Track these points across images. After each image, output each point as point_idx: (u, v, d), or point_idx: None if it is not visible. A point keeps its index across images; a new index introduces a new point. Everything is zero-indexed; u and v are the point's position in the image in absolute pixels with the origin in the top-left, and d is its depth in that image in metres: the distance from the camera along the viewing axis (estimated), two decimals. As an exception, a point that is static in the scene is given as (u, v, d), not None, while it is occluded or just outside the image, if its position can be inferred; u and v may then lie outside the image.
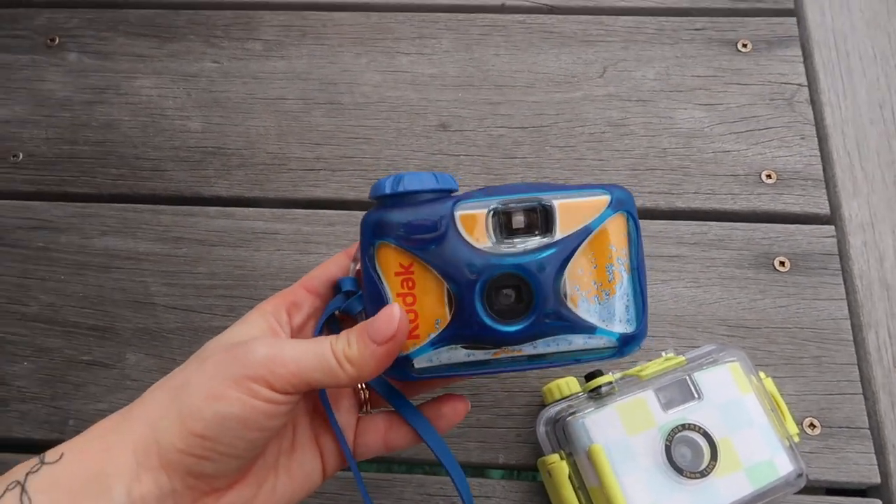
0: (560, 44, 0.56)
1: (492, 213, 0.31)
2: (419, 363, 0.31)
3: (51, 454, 0.29)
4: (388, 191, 0.31)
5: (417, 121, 0.53)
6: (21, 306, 0.49)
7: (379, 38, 0.57)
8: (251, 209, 0.51)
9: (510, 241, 0.31)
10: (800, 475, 0.37)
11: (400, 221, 0.30)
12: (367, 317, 0.31)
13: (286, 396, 0.29)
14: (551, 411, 0.40)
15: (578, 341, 0.31)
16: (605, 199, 0.31)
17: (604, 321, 0.31)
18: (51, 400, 0.46)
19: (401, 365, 0.31)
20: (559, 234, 0.31)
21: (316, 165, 0.52)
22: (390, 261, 0.31)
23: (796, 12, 0.57)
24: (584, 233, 0.31)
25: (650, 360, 0.40)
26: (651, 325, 0.45)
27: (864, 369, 0.45)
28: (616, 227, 0.31)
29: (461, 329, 0.31)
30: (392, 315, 0.30)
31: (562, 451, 0.39)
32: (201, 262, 0.49)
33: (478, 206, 0.31)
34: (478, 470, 0.45)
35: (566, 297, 0.31)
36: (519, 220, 0.31)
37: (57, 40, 0.58)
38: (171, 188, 0.52)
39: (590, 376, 0.39)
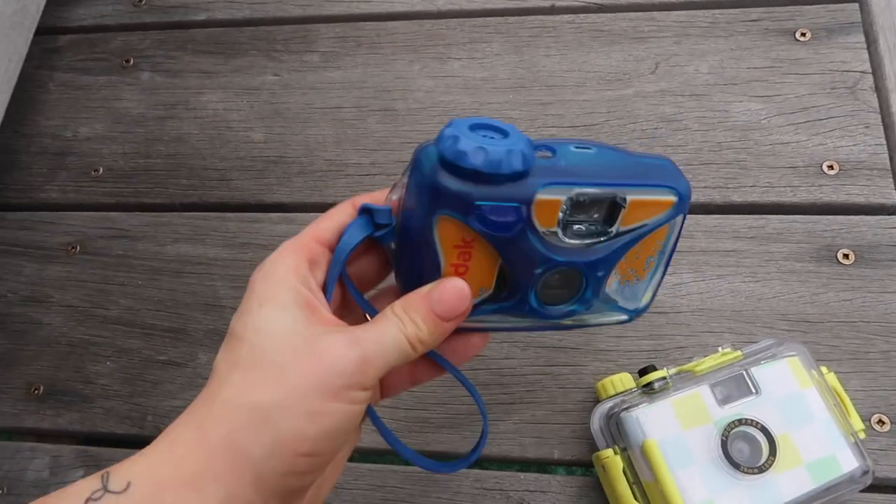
0: (610, 42, 0.56)
1: (568, 201, 0.29)
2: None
3: (115, 480, 0.25)
4: (468, 164, 0.27)
5: (469, 124, 0.54)
6: (103, 310, 0.52)
7: (431, 44, 0.58)
8: (311, 214, 0.53)
9: (576, 223, 0.30)
10: (865, 472, 0.36)
11: (473, 199, 0.27)
12: (407, 276, 0.30)
13: (371, 392, 0.29)
14: (605, 406, 0.40)
15: (595, 316, 0.33)
16: (671, 200, 0.30)
17: (625, 300, 0.33)
18: (130, 397, 0.49)
19: None
20: (620, 226, 0.30)
21: (372, 171, 0.54)
22: (452, 233, 0.28)
23: (858, -2, 0.55)
24: (642, 231, 0.31)
25: (706, 356, 0.40)
26: (707, 321, 0.45)
27: (937, 364, 0.43)
28: (671, 228, 0.32)
29: (506, 303, 0.31)
30: (463, 294, 0.29)
31: (616, 446, 0.39)
32: (265, 266, 0.52)
33: (558, 193, 0.29)
34: (534, 465, 0.45)
35: (606, 283, 0.32)
36: (589, 211, 0.30)
37: (131, 61, 0.62)
38: (237, 196, 0.55)
39: (643, 371, 0.39)
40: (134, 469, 0.25)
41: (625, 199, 0.30)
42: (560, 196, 0.29)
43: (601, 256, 0.31)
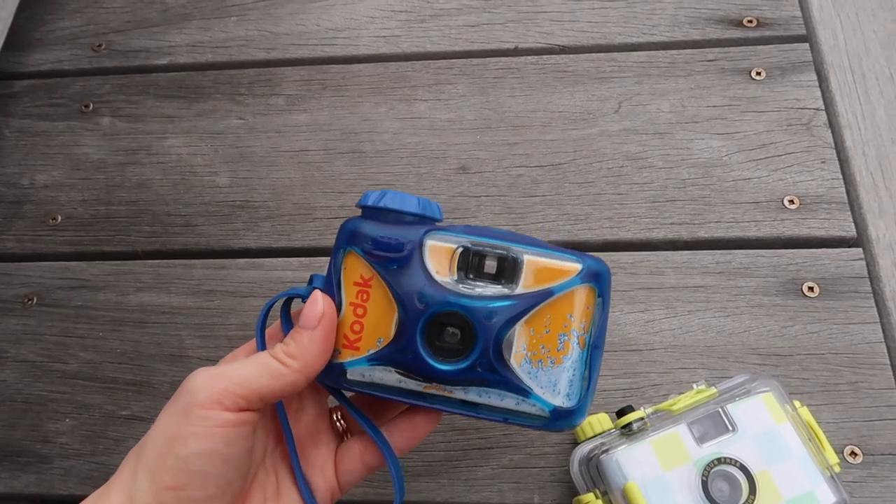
0: (574, 82, 0.57)
1: (461, 249, 0.31)
2: (352, 374, 0.32)
3: None
4: (369, 203, 0.32)
5: (437, 165, 0.54)
6: (62, 364, 0.50)
7: (396, 86, 0.58)
8: (279, 259, 0.52)
9: (472, 282, 0.31)
10: (843, 506, 0.36)
11: (370, 234, 0.31)
12: None
13: (239, 415, 0.28)
14: (584, 449, 0.40)
15: (510, 400, 0.31)
16: (576, 267, 0.31)
17: (542, 388, 0.31)
18: (91, 455, 0.47)
19: (335, 371, 0.32)
20: (520, 289, 0.31)
21: (340, 213, 0.53)
22: (353, 269, 0.31)
23: (808, 38, 0.57)
24: (545, 295, 0.30)
25: (681, 394, 0.40)
26: (681, 357, 0.46)
27: (903, 393, 0.44)
28: (580, 299, 0.31)
29: (397, 353, 0.31)
30: (315, 298, 0.31)
31: (597, 490, 0.38)
32: (233, 314, 0.50)
33: (449, 241, 0.31)
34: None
35: (510, 353, 0.30)
36: (484, 265, 0.31)
37: (91, 106, 0.61)
38: (202, 243, 0.54)
39: (620, 412, 0.39)
40: None
41: (520, 257, 0.31)
42: (452, 245, 0.31)
43: (495, 307, 0.30)
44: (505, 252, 0.31)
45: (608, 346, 0.45)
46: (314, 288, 0.32)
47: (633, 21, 0.59)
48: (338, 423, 0.36)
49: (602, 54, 0.58)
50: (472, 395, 0.31)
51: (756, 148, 0.52)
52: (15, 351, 0.51)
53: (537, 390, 0.31)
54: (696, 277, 0.48)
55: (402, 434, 0.34)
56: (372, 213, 0.32)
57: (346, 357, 0.32)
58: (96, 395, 0.49)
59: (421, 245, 0.31)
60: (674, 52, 0.57)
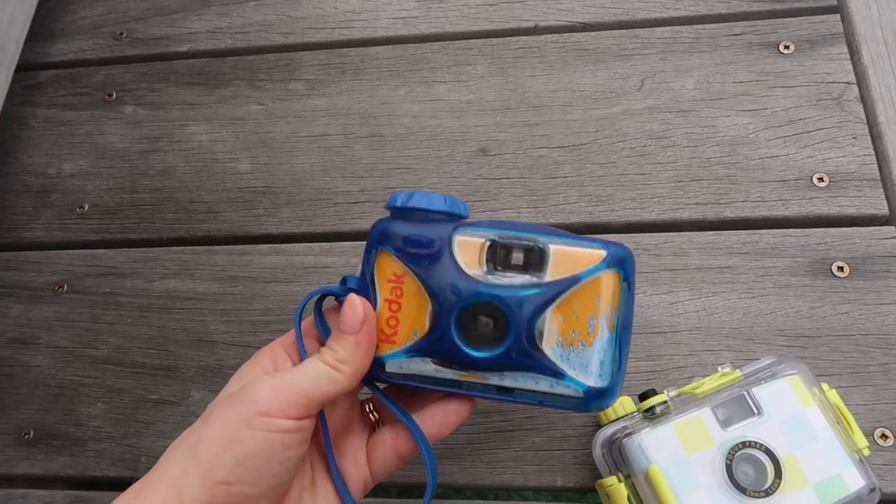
0: (595, 60, 0.56)
1: (489, 243, 0.32)
2: (391, 367, 0.33)
3: None
4: (398, 204, 0.33)
5: (457, 147, 0.54)
6: (93, 350, 0.51)
7: (415, 68, 0.58)
8: (301, 244, 0.53)
9: (501, 274, 0.32)
10: (872, 489, 0.36)
11: (401, 233, 0.33)
12: None
13: (300, 422, 0.30)
14: (607, 432, 0.40)
15: (544, 383, 0.32)
16: (601, 253, 0.32)
17: (575, 370, 0.32)
18: (123, 438, 0.48)
19: (374, 365, 0.33)
20: (549, 277, 0.32)
21: (360, 198, 0.53)
22: (386, 268, 0.33)
23: (839, 9, 0.55)
24: (572, 281, 0.31)
25: (706, 376, 0.39)
26: (706, 339, 0.45)
27: (936, 375, 0.43)
28: (607, 283, 0.32)
29: (433, 344, 0.32)
30: (353, 303, 0.32)
31: (619, 473, 0.38)
32: (256, 299, 0.51)
33: (477, 235, 0.32)
34: (536, 493, 0.44)
35: (542, 339, 0.31)
36: (513, 256, 0.32)
37: (114, 95, 0.61)
38: (225, 229, 0.54)
39: (643, 396, 0.39)
40: None
41: (546, 247, 0.32)
42: (480, 239, 0.32)
43: (526, 294, 0.31)
44: (531, 243, 0.32)
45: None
46: (349, 289, 0.34)
47: (656, -5, 0.57)
48: (371, 415, 0.37)
49: (624, 31, 0.56)
50: (508, 380, 0.32)
51: (784, 124, 0.51)
52: (48, 337, 0.53)
53: (570, 372, 0.32)
54: (721, 258, 0.47)
55: (436, 421, 0.35)
56: (401, 213, 0.33)
57: (385, 350, 0.33)
58: (126, 379, 0.50)
59: (450, 241, 0.32)
60: (698, 26, 0.56)
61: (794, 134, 0.50)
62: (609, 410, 0.40)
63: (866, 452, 0.37)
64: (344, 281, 0.35)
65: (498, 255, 0.32)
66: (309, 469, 0.34)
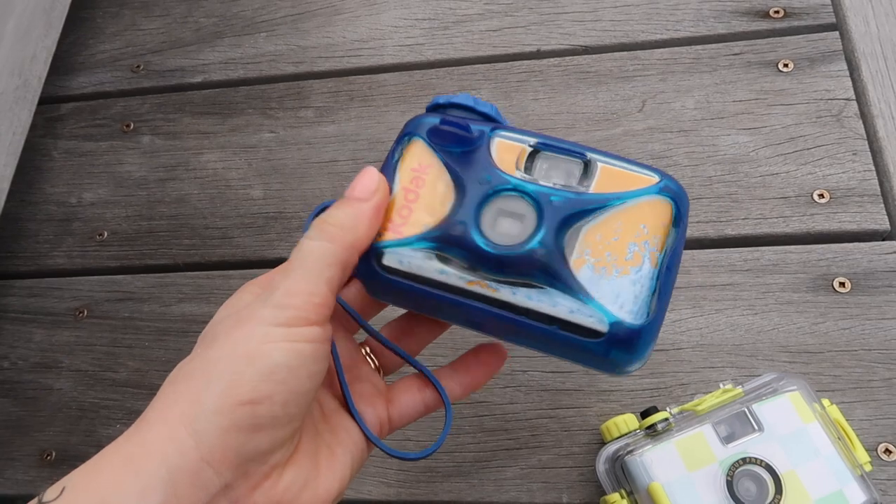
0: (597, 82, 0.57)
1: (530, 150, 0.29)
2: (389, 259, 0.29)
3: (50, 490, 0.24)
4: (441, 101, 0.31)
5: (463, 170, 0.55)
6: (112, 373, 0.53)
7: (422, 94, 0.59)
8: (312, 268, 0.54)
9: (547, 178, 0.29)
10: (874, 505, 0.36)
11: (438, 121, 0.30)
12: None
13: (324, 329, 0.27)
14: (610, 449, 0.40)
15: (563, 307, 0.27)
16: (654, 179, 0.28)
17: (602, 297, 0.27)
18: (141, 459, 0.50)
19: (370, 255, 0.29)
20: (592, 190, 0.28)
21: (369, 221, 0.55)
22: (412, 157, 0.30)
23: (838, 26, 0.56)
24: (617, 199, 0.28)
25: (707, 393, 0.40)
26: (708, 356, 0.46)
27: (941, 389, 0.43)
28: (655, 211, 0.28)
29: (446, 230, 0.28)
30: (370, 171, 0.29)
31: (623, 490, 0.39)
32: (269, 322, 0.52)
33: (520, 140, 0.29)
34: (544, 511, 0.45)
35: (571, 255, 0.27)
36: (555, 167, 0.29)
37: (132, 125, 0.64)
38: (239, 254, 0.56)
39: (645, 413, 0.40)
40: (72, 475, 0.24)
41: (594, 162, 0.29)
42: (522, 144, 0.29)
43: (564, 199, 0.28)
44: (579, 157, 0.29)
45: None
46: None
47: (656, 17, 0.58)
48: (368, 358, 0.34)
49: (625, 53, 0.58)
50: (521, 296, 0.27)
51: (784, 142, 0.52)
52: (69, 361, 0.54)
53: (597, 297, 0.27)
54: (723, 275, 0.48)
55: (469, 373, 0.33)
56: (442, 110, 0.31)
57: (388, 238, 0.29)
58: (145, 401, 0.51)
59: (489, 140, 0.29)
60: (698, 47, 0.57)
61: (795, 151, 0.51)
62: (612, 427, 0.41)
63: (868, 468, 0.37)
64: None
65: (538, 164, 0.29)
66: (316, 405, 0.31)
